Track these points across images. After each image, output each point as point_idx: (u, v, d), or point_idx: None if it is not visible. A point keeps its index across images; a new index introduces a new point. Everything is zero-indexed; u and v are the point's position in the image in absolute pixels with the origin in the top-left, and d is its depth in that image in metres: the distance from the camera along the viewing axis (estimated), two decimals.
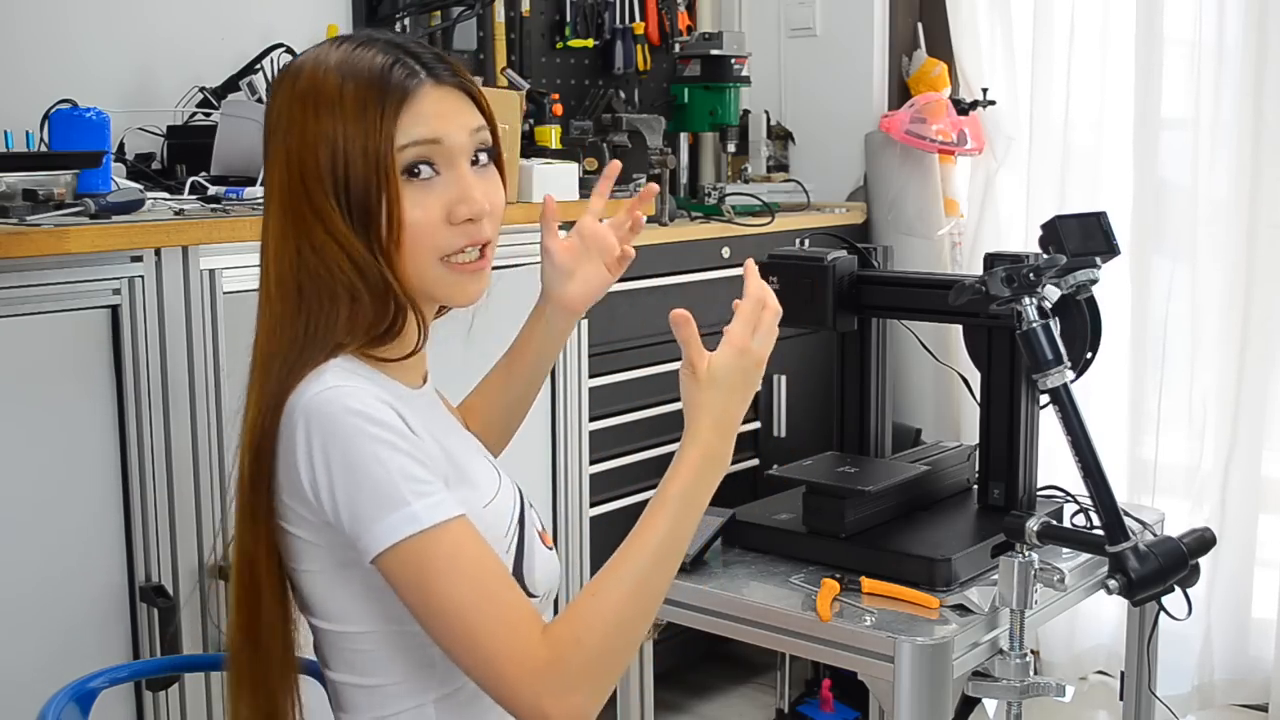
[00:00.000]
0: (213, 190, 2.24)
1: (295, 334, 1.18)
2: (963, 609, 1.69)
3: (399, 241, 1.17)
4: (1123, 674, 2.18)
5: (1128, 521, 1.62)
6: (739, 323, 1.23)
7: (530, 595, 1.25)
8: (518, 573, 1.25)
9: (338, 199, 1.16)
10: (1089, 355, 1.87)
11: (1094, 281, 1.67)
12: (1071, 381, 1.65)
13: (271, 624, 1.24)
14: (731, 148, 3.42)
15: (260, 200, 2.17)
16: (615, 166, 1.49)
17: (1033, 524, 1.70)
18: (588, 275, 1.45)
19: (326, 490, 1.12)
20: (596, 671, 1.11)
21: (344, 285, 1.17)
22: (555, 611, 1.26)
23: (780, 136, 3.62)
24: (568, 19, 3.36)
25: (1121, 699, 2.17)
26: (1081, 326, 1.84)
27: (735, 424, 1.22)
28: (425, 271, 1.20)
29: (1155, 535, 1.97)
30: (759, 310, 1.24)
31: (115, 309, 1.93)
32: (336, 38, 1.23)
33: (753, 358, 1.23)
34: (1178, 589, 1.63)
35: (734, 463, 3.13)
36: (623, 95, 3.44)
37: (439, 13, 3.07)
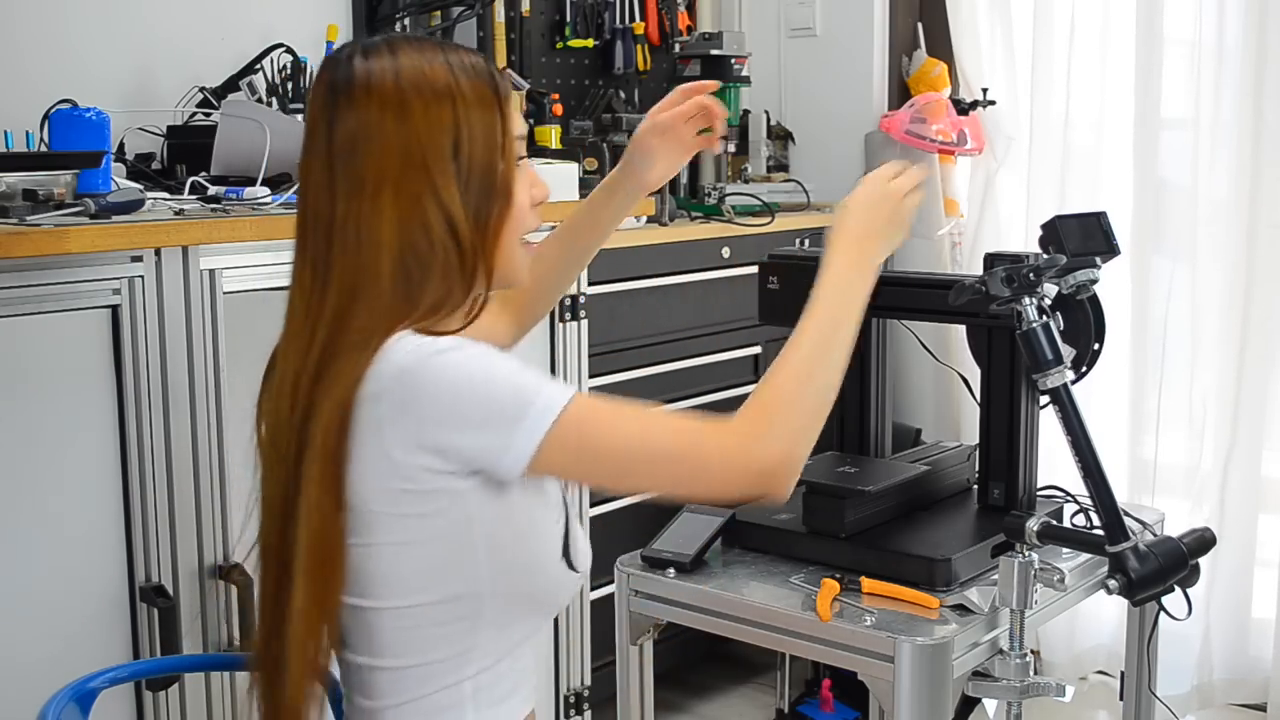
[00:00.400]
0: (213, 190, 2.24)
1: (379, 308, 1.22)
2: (963, 609, 1.69)
3: (503, 222, 1.27)
4: (1123, 674, 2.18)
5: (1128, 521, 1.62)
6: (881, 168, 1.41)
7: (573, 571, 1.31)
8: (566, 550, 1.31)
9: (459, 181, 1.24)
10: (1096, 347, 1.87)
11: (1094, 281, 1.67)
12: (1082, 376, 1.65)
13: (334, 608, 1.25)
14: (731, 148, 3.42)
15: (260, 200, 2.19)
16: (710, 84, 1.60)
17: (1033, 524, 1.70)
18: (669, 161, 1.61)
19: (457, 430, 1.17)
20: (790, 427, 1.22)
21: (441, 262, 1.24)
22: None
23: (780, 136, 3.62)
24: (568, 19, 3.36)
25: (1121, 699, 2.17)
26: (1085, 321, 1.84)
27: (875, 240, 1.38)
28: (513, 251, 1.30)
29: (1155, 535, 1.97)
30: (902, 169, 1.41)
31: (115, 309, 1.93)
32: (378, 40, 1.28)
33: (894, 188, 1.39)
34: (1178, 589, 1.63)
35: None
36: (623, 95, 3.44)
37: (439, 13, 3.07)
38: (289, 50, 2.66)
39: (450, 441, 1.18)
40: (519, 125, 1.30)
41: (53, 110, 2.16)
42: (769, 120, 3.58)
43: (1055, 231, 1.83)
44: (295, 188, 1.34)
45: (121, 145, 2.45)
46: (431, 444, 1.18)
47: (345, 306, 1.22)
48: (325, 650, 1.26)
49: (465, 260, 1.25)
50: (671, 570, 1.84)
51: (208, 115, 2.57)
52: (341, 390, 1.19)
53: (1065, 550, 1.85)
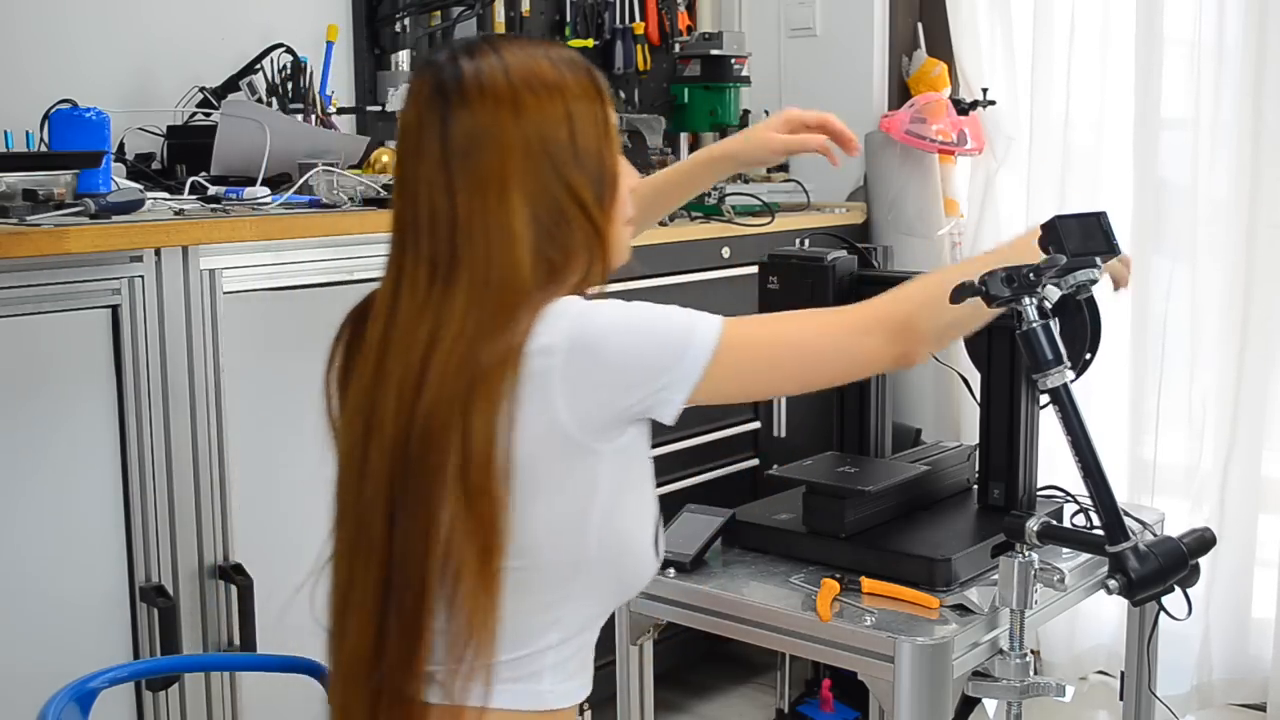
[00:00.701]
0: (213, 190, 2.24)
1: (523, 296, 1.24)
2: (963, 609, 1.69)
3: (614, 206, 1.32)
4: (1123, 674, 2.18)
5: (1128, 521, 1.62)
6: None
7: (657, 558, 1.34)
8: (656, 537, 1.34)
9: (578, 167, 1.28)
10: (1088, 356, 1.87)
11: (1094, 281, 1.66)
12: (1071, 381, 1.65)
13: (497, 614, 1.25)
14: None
15: (260, 200, 2.19)
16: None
17: (1033, 524, 1.70)
18: (779, 156, 1.82)
19: (626, 387, 1.22)
20: (903, 301, 1.36)
21: (581, 244, 1.28)
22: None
23: None
24: (568, 19, 3.36)
25: (1121, 699, 2.17)
26: (1081, 327, 1.84)
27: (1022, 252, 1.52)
28: (621, 234, 1.35)
29: (1155, 535, 1.97)
30: None
31: (115, 309, 1.93)
32: (476, 40, 1.32)
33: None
34: (1178, 589, 1.63)
35: (734, 462, 3.12)
36: (623, 95, 3.44)
37: (439, 13, 3.07)
38: (289, 50, 2.65)
39: (625, 398, 1.23)
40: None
41: (53, 110, 2.16)
42: None
43: (1055, 231, 1.83)
44: (387, 190, 1.34)
45: (121, 145, 2.45)
46: (607, 404, 1.23)
47: (479, 300, 1.23)
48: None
49: (602, 240, 1.30)
50: (671, 570, 1.84)
51: (208, 115, 2.57)
52: (499, 371, 1.21)
53: (1065, 550, 1.85)
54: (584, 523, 1.26)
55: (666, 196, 1.83)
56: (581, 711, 1.39)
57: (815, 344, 1.32)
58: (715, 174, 1.84)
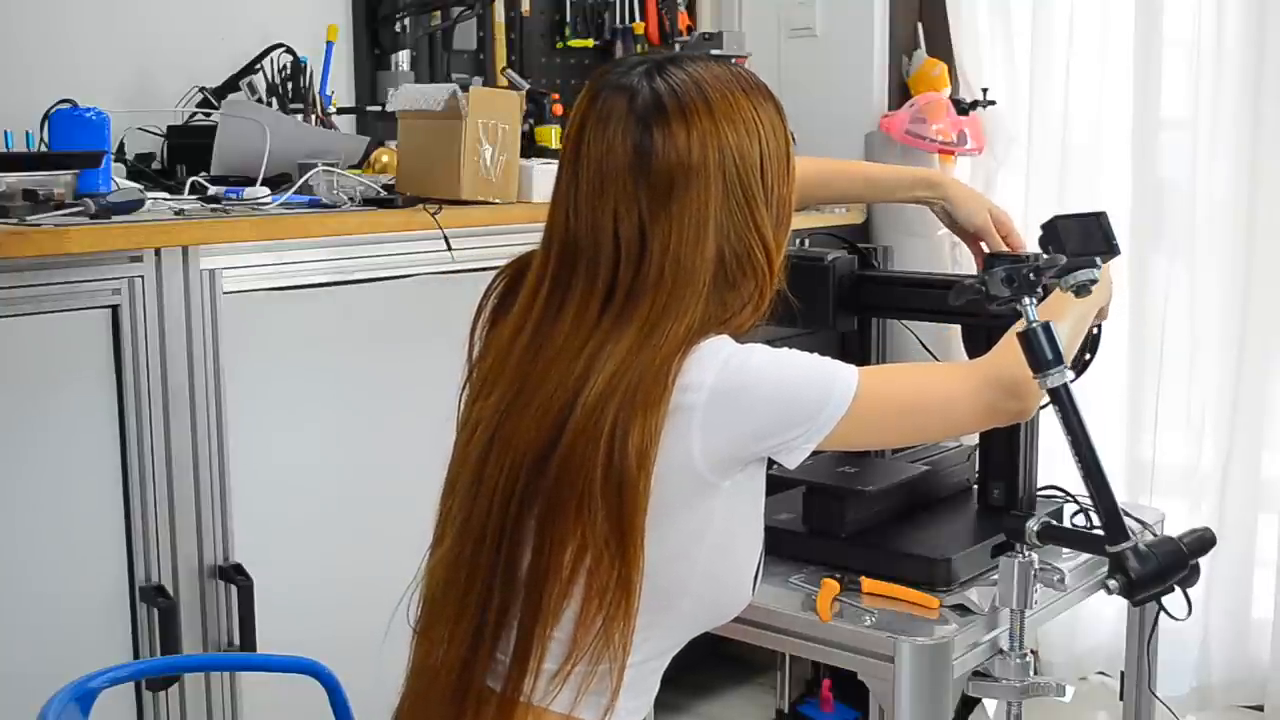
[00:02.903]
0: (213, 190, 2.24)
1: (687, 328, 1.23)
2: (963, 609, 1.69)
3: (785, 239, 1.32)
4: (1123, 674, 2.18)
5: (1128, 521, 1.62)
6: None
7: (752, 594, 1.36)
8: (757, 571, 1.36)
9: (767, 206, 1.27)
10: (1088, 357, 1.87)
11: (1094, 281, 1.66)
12: (1071, 382, 1.65)
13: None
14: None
15: (260, 200, 2.19)
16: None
17: (1033, 524, 1.70)
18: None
19: (765, 436, 1.24)
20: (1017, 355, 1.38)
21: (752, 284, 1.27)
22: None
23: None
24: (568, 19, 3.36)
25: (1121, 699, 2.17)
26: None
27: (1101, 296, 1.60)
28: (779, 264, 1.32)
29: (1155, 535, 1.96)
30: None
31: (115, 309, 1.93)
32: (662, 59, 1.30)
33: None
34: (1178, 589, 1.63)
35: None
36: None
37: (439, 13, 3.07)
38: (289, 50, 2.65)
39: (755, 446, 1.25)
40: None
41: (53, 110, 2.16)
42: None
43: (1055, 231, 1.83)
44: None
45: (121, 145, 2.45)
46: (738, 449, 1.24)
47: (651, 334, 1.22)
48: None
49: (772, 279, 1.29)
50: None
51: (208, 115, 2.57)
52: (654, 407, 1.20)
53: (1065, 550, 1.85)
54: (694, 553, 1.26)
55: (858, 192, 1.97)
56: None
57: (945, 402, 1.36)
58: (917, 197, 1.89)
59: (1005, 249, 1.85)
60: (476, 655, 1.26)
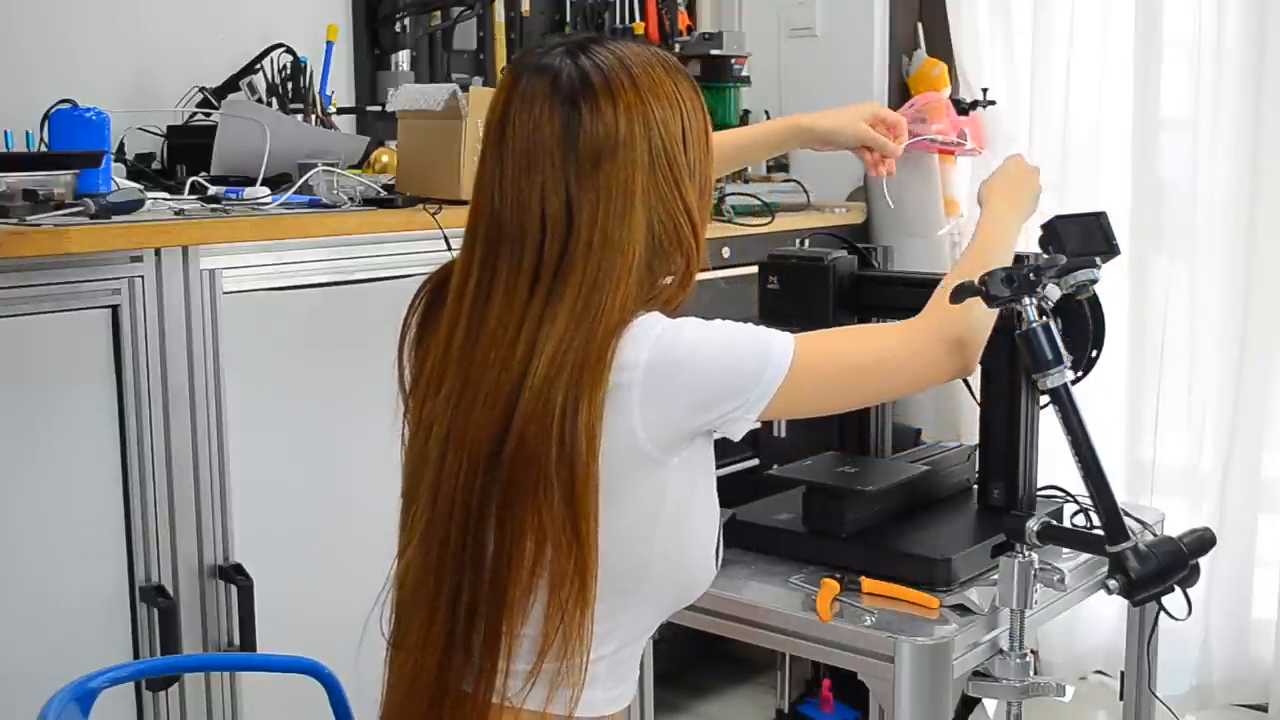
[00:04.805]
0: (213, 190, 2.24)
1: (620, 305, 1.23)
2: (963, 609, 1.69)
3: (708, 214, 1.33)
4: (1123, 674, 2.18)
5: (1128, 521, 1.62)
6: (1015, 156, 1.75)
7: (717, 568, 1.36)
8: (718, 546, 1.35)
9: (691, 180, 1.28)
10: (1094, 353, 1.87)
11: (1094, 281, 1.66)
12: (1077, 381, 1.65)
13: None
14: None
15: (260, 200, 2.19)
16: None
17: (1033, 524, 1.70)
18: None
19: (705, 408, 1.24)
20: (957, 312, 1.42)
21: (681, 257, 1.29)
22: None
23: None
24: (568, 19, 3.36)
25: (1121, 699, 2.17)
26: (1083, 324, 1.84)
27: (1022, 196, 1.67)
28: (704, 239, 1.33)
29: (1155, 535, 1.97)
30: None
31: (115, 309, 1.93)
32: (584, 39, 1.29)
33: (1031, 168, 1.73)
34: (1178, 589, 1.63)
35: (734, 462, 3.12)
36: None
37: (439, 13, 3.07)
38: (289, 50, 2.65)
39: (697, 418, 1.24)
40: None
41: (53, 110, 2.16)
42: (769, 120, 3.58)
43: (1055, 231, 1.83)
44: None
45: (121, 145, 2.45)
46: (680, 422, 1.24)
47: (584, 312, 1.21)
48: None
49: (699, 252, 1.31)
50: None
51: (208, 115, 2.57)
52: (598, 398, 1.20)
53: (1065, 550, 1.85)
54: (650, 533, 1.26)
55: (741, 156, 1.90)
56: None
57: (882, 361, 1.36)
58: (796, 143, 1.91)
59: (896, 152, 1.87)
60: (451, 659, 1.25)
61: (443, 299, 1.30)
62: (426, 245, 2.25)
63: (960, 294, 1.45)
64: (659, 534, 1.26)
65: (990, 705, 2.76)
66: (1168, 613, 1.74)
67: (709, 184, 1.32)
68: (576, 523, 1.20)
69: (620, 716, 1.35)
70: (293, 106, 2.61)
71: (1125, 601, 1.64)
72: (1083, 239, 1.82)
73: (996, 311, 1.47)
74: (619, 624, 1.29)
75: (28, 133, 2.29)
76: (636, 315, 1.24)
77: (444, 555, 1.24)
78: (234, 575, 2.07)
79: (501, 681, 1.25)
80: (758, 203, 3.21)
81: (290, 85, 2.64)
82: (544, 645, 1.23)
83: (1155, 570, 1.57)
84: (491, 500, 1.22)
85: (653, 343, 1.22)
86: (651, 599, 1.31)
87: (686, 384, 1.22)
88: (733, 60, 3.27)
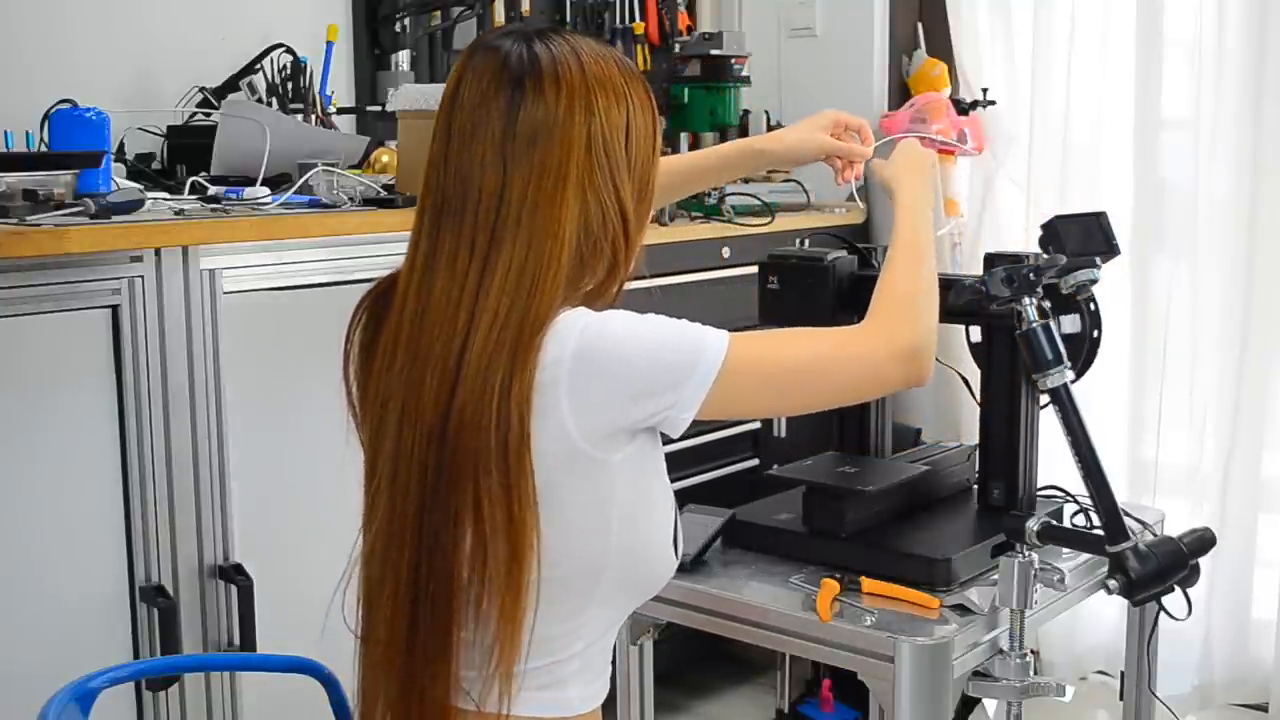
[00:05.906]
0: (213, 190, 2.24)
1: (552, 294, 1.23)
2: (963, 609, 1.69)
3: (646, 216, 1.33)
4: (1123, 674, 2.18)
5: (1128, 521, 1.62)
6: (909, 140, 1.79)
7: (675, 557, 1.35)
8: (675, 536, 1.34)
9: (629, 176, 1.28)
10: (1090, 357, 1.87)
11: (1094, 281, 1.67)
12: (1073, 381, 1.65)
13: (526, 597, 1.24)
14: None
15: (260, 200, 2.19)
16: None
17: (1033, 524, 1.70)
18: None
19: (634, 401, 1.22)
20: (916, 313, 1.38)
21: (609, 251, 1.28)
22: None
23: None
24: (568, 19, 3.36)
25: (1121, 699, 2.17)
26: (1082, 325, 1.84)
27: (924, 180, 1.65)
28: (641, 241, 1.34)
29: (1155, 535, 1.97)
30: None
31: (115, 309, 1.93)
32: (544, 28, 1.30)
33: (926, 151, 1.73)
34: (1178, 589, 1.63)
35: (734, 462, 3.13)
36: None
37: (439, 13, 3.07)
38: (289, 50, 2.66)
39: (630, 413, 1.22)
40: None
41: (53, 110, 2.16)
42: (769, 120, 3.58)
43: (1055, 232, 1.83)
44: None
45: (121, 145, 2.45)
46: (612, 418, 1.22)
47: (515, 292, 1.22)
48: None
49: (629, 250, 1.30)
50: None
51: (208, 115, 2.57)
52: (528, 377, 1.20)
53: (1065, 550, 1.85)
54: (603, 531, 1.26)
55: (695, 181, 1.86)
56: None
57: (818, 363, 1.32)
58: (751, 167, 1.86)
59: (865, 154, 1.86)
60: (414, 647, 1.24)
61: (382, 319, 1.30)
62: None
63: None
64: (612, 532, 1.26)
65: (990, 705, 2.76)
66: (1168, 613, 1.74)
67: (649, 188, 1.31)
68: (511, 505, 1.20)
69: (597, 713, 1.34)
70: (293, 106, 2.61)
71: (1125, 601, 1.64)
72: (1083, 239, 1.82)
73: (936, 314, 1.43)
74: (583, 622, 1.29)
75: (28, 133, 2.29)
76: (563, 310, 1.24)
77: (404, 529, 1.24)
78: (234, 575, 2.07)
79: (465, 688, 1.25)
80: (758, 203, 3.21)
81: (290, 85, 2.65)
82: (487, 642, 1.23)
83: (1155, 570, 1.57)
84: (443, 476, 1.22)
85: (578, 335, 1.21)
86: (613, 596, 1.30)
87: (614, 376, 1.21)
88: (733, 60, 3.27)
